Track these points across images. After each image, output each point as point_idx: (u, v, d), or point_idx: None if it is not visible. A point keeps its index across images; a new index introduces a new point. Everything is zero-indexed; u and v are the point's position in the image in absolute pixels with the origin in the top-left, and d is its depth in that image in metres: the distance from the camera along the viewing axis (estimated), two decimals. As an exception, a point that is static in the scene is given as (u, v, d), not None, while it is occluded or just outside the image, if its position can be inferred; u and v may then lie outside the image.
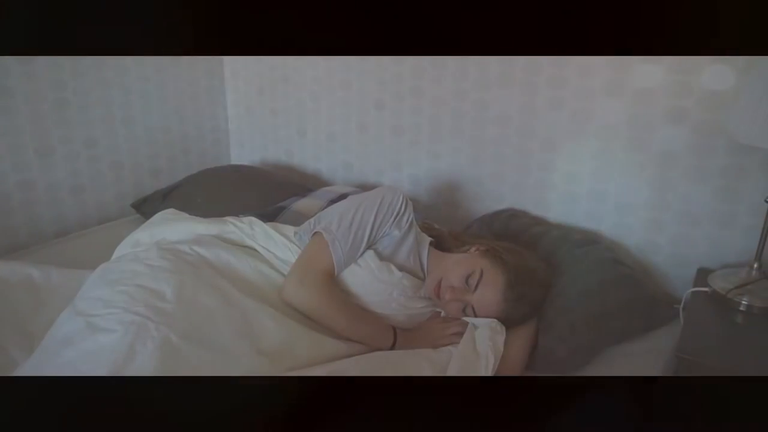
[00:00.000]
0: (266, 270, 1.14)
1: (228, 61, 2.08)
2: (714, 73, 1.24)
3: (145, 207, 1.75)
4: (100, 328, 0.92)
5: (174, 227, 1.23)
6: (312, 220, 1.21)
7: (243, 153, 2.17)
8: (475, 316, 1.12)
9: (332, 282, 1.10)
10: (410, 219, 1.17)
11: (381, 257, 1.13)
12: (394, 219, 1.14)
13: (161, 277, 1.02)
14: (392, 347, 1.09)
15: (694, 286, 1.24)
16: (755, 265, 1.17)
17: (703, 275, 1.27)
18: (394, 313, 1.13)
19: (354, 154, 1.87)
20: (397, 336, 1.10)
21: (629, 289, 1.23)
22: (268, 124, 2.05)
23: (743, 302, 1.13)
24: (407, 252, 1.17)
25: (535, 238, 1.41)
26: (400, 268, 1.14)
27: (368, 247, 1.13)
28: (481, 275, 1.10)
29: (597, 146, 1.43)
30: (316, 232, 1.13)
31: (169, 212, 1.32)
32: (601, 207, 1.47)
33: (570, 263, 1.26)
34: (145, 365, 0.85)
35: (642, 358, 1.15)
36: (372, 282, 1.11)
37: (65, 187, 1.72)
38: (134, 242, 1.22)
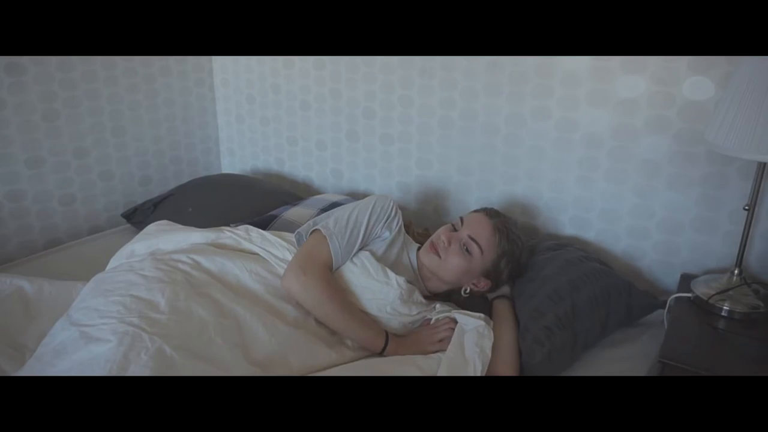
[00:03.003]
0: (263, 272, 1.15)
1: (218, 69, 2.09)
2: (694, 84, 1.27)
3: (136, 217, 1.75)
4: (94, 338, 0.93)
5: (169, 237, 1.24)
6: (309, 222, 1.26)
7: (233, 162, 2.18)
8: (478, 245, 1.18)
9: (331, 274, 1.14)
10: (400, 223, 1.25)
11: (376, 258, 1.18)
12: (386, 221, 1.21)
13: (155, 287, 1.03)
14: (383, 350, 1.11)
15: (678, 291, 1.27)
16: (736, 271, 1.20)
17: (686, 281, 1.30)
18: (388, 317, 1.15)
19: (344, 162, 1.88)
20: (389, 340, 1.12)
21: (600, 283, 1.23)
22: (258, 132, 2.07)
23: (725, 308, 1.15)
24: (398, 251, 1.23)
25: None
26: (393, 267, 1.18)
27: (363, 246, 1.18)
28: (462, 218, 1.25)
29: (582, 155, 1.45)
30: (314, 230, 1.18)
31: (163, 223, 1.33)
32: (587, 214, 1.49)
33: (539, 267, 1.27)
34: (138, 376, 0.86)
35: (626, 363, 1.17)
36: (368, 281, 1.14)
37: (55, 198, 1.72)
38: (129, 253, 1.23)
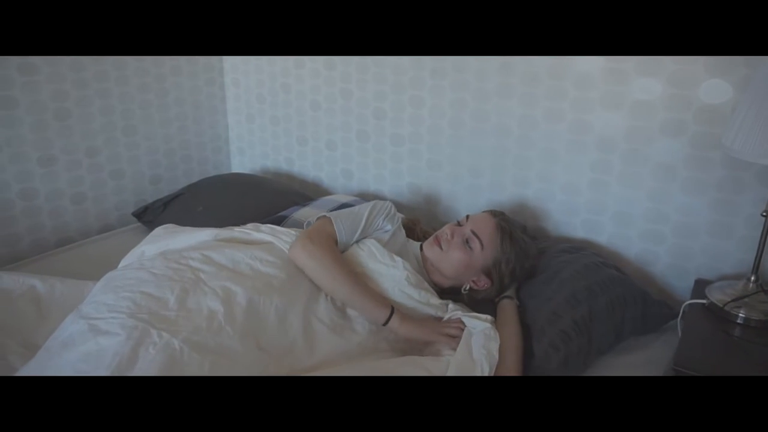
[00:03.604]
0: (273, 259, 1.15)
1: (228, 69, 2.09)
2: (711, 87, 1.25)
3: (146, 216, 1.76)
4: (102, 331, 0.94)
5: (178, 238, 1.25)
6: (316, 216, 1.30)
7: (243, 161, 2.18)
8: (479, 240, 1.21)
9: (337, 247, 1.19)
10: (399, 222, 1.33)
11: (382, 244, 1.22)
12: (386, 216, 1.29)
13: (165, 285, 1.05)
14: (387, 322, 1.11)
15: (692, 297, 1.25)
16: (752, 278, 1.18)
17: (700, 286, 1.28)
18: (399, 300, 1.16)
19: (354, 162, 1.88)
20: (393, 314, 1.11)
21: (617, 291, 1.23)
22: (268, 132, 2.06)
23: (740, 315, 1.14)
24: (402, 243, 1.29)
25: None
26: (398, 255, 1.21)
27: (364, 236, 1.24)
28: (468, 215, 1.29)
29: (595, 158, 1.44)
30: (320, 216, 1.25)
31: (170, 226, 1.34)
32: (599, 218, 1.48)
33: (556, 269, 1.26)
34: (146, 371, 0.87)
35: (639, 369, 1.15)
36: (375, 264, 1.18)
37: (67, 196, 1.73)
38: (140, 254, 1.24)
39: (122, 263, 1.25)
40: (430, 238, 1.28)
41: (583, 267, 1.25)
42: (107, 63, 1.74)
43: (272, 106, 2.01)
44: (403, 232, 1.33)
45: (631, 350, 1.23)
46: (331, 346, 1.07)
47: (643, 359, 1.20)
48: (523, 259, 1.24)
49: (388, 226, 1.28)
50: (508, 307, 1.20)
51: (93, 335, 0.93)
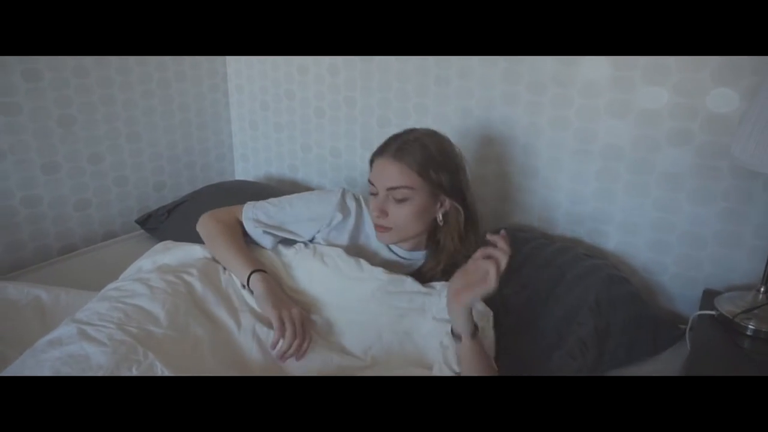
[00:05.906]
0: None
1: (232, 75, 2.09)
2: (718, 96, 1.24)
3: (150, 223, 1.75)
4: (89, 337, 0.96)
5: (174, 253, 1.26)
6: None
7: (247, 167, 2.18)
8: (402, 188, 1.10)
9: (237, 224, 1.25)
10: (356, 204, 1.24)
11: (348, 252, 1.16)
12: (334, 207, 1.21)
13: (158, 298, 1.06)
14: (247, 283, 1.13)
15: (701, 307, 1.23)
16: (762, 289, 1.17)
17: (709, 296, 1.26)
18: (381, 309, 1.08)
19: (358, 170, 1.87)
20: (252, 275, 1.12)
21: (636, 308, 1.24)
22: (272, 139, 2.06)
23: (750, 327, 1.12)
24: (364, 238, 1.22)
25: (537, 249, 1.39)
26: (366, 255, 1.17)
27: (288, 223, 1.24)
28: (370, 179, 1.19)
29: (601, 166, 1.43)
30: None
31: (170, 243, 1.34)
32: (605, 227, 1.47)
33: (576, 276, 1.26)
34: None
35: (648, 381, 1.15)
36: (342, 280, 1.12)
37: (70, 203, 1.72)
38: (137, 269, 1.24)
39: (121, 277, 1.25)
40: (375, 227, 1.15)
41: (606, 279, 1.25)
42: (111, 69, 1.73)
43: (276, 113, 2.01)
44: (364, 217, 1.22)
45: (638, 361, 1.21)
46: (324, 362, 1.05)
47: (652, 371, 1.18)
48: (434, 155, 1.13)
49: (339, 216, 1.20)
50: (472, 345, 0.95)
51: (80, 339, 0.95)
